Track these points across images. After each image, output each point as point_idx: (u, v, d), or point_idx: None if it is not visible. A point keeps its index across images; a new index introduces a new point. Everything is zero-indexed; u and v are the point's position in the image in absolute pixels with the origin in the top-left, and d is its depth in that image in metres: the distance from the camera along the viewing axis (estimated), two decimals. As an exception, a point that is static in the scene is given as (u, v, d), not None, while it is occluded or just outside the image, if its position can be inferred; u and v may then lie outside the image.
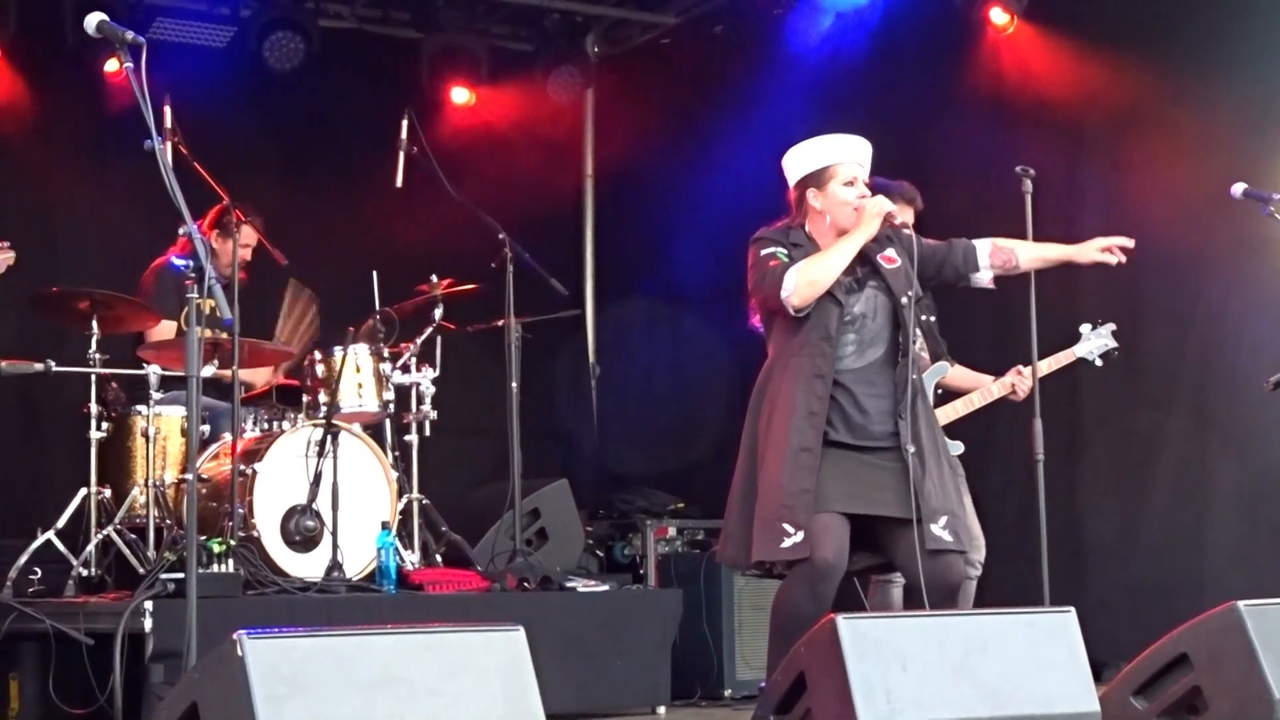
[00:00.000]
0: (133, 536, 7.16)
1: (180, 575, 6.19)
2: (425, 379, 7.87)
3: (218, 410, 7.61)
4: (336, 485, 7.20)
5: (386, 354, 7.73)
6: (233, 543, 6.77)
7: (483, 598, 7.11)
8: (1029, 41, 8.54)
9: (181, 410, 7.28)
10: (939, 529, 5.27)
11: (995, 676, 4.60)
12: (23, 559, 7.05)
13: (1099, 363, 6.57)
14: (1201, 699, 4.89)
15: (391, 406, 7.74)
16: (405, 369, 7.85)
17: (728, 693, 7.91)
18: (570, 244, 10.65)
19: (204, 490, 7.21)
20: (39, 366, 7.14)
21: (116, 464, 7.43)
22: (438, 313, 7.89)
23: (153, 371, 7.25)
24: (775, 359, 5.49)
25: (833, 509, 5.26)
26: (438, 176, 8.00)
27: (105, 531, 7.16)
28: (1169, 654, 4.98)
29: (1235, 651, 4.82)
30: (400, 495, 7.60)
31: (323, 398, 7.53)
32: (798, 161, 5.56)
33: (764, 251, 5.45)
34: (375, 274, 7.89)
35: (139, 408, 7.36)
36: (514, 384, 7.77)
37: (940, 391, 6.41)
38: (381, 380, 7.69)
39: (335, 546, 7.12)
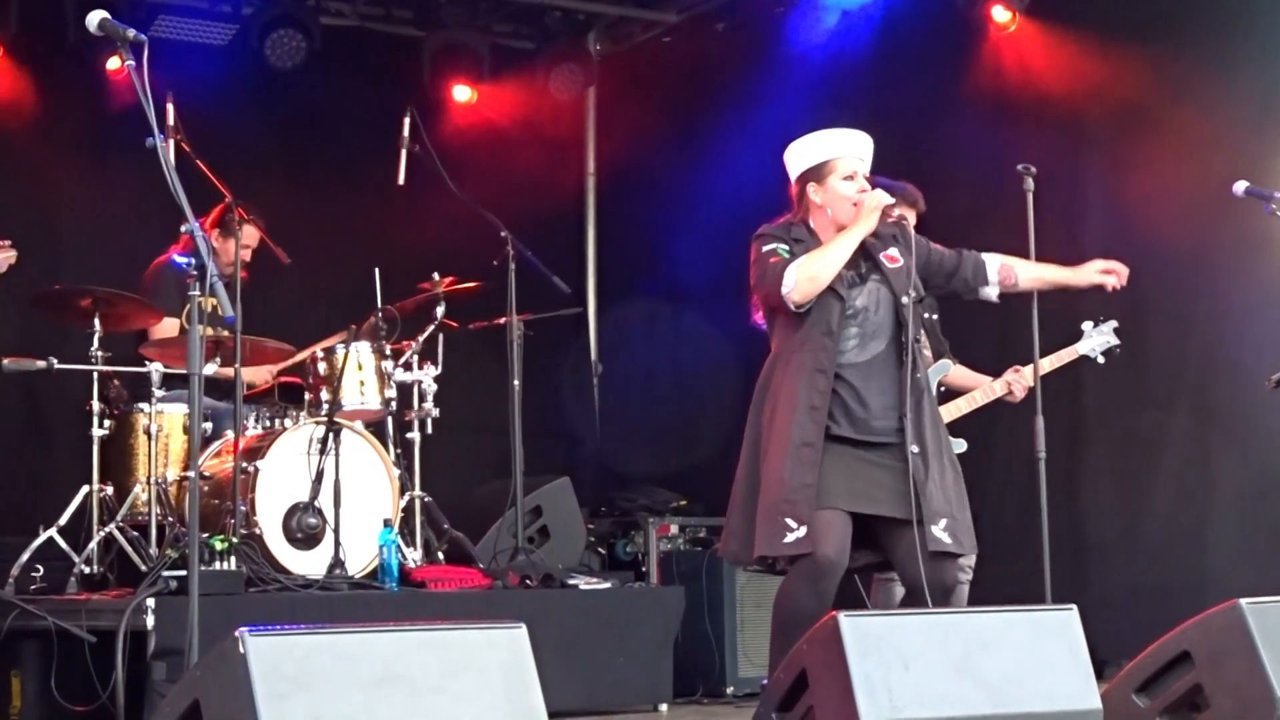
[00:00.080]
0: (135, 534, 7.17)
1: (182, 573, 6.19)
2: (427, 377, 7.87)
3: (220, 408, 7.62)
4: (338, 483, 7.20)
5: (388, 352, 7.74)
6: (235, 540, 6.79)
7: (485, 595, 7.11)
8: (1031, 39, 8.54)
9: (183, 408, 7.28)
10: (939, 531, 5.27)
11: (997, 674, 4.61)
12: (25, 556, 7.05)
13: (1101, 360, 6.56)
14: (1203, 697, 4.90)
15: (393, 404, 7.74)
16: (407, 367, 7.85)
17: (730, 690, 7.90)
18: (572, 242, 10.64)
19: (206, 488, 7.21)
20: (41, 364, 7.14)
21: (119, 461, 7.43)
22: (440, 311, 7.89)
23: (155, 369, 7.25)
24: (777, 355, 5.49)
25: (835, 505, 5.26)
26: (439, 174, 8.01)
27: (107, 529, 7.16)
28: (1171, 652, 4.98)
29: (1237, 650, 4.82)
30: (402, 493, 7.60)
31: (325, 395, 7.53)
32: (798, 156, 5.56)
33: (765, 248, 5.46)
34: (377, 272, 7.89)
35: (141, 405, 7.36)
36: (516, 382, 7.78)
37: (942, 389, 6.41)
38: (383, 378, 7.69)
39: (337, 544, 7.12)
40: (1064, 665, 4.72)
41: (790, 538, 5.23)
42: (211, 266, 4.95)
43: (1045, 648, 4.72)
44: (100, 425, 7.29)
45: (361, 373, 7.63)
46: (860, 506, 5.31)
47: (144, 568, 6.88)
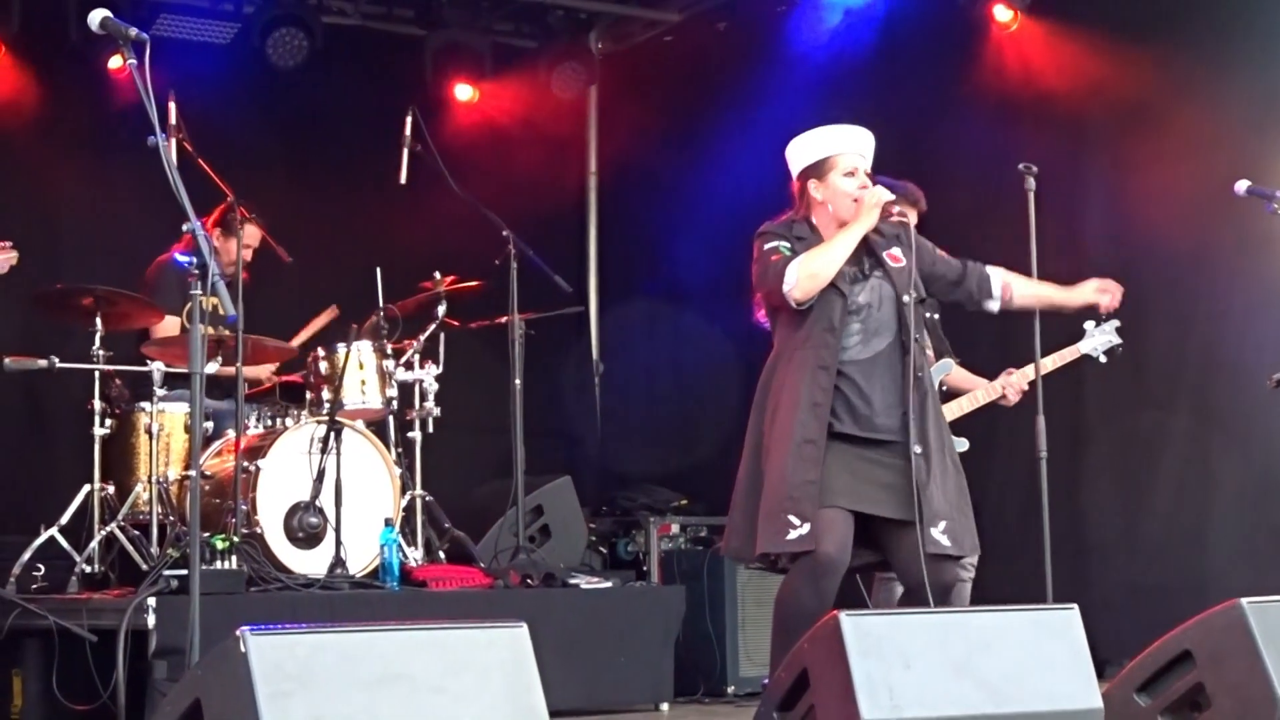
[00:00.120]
0: (136, 533, 7.17)
1: (183, 572, 6.20)
2: (428, 376, 7.87)
3: (221, 407, 7.61)
4: (340, 482, 7.20)
5: (390, 351, 7.74)
6: (236, 539, 6.79)
7: (486, 595, 7.11)
8: (1032, 39, 8.54)
9: (185, 407, 7.28)
10: (938, 534, 5.26)
11: (998, 674, 4.60)
12: (26, 555, 7.06)
13: (1103, 359, 6.56)
14: (1204, 696, 4.89)
15: (395, 403, 7.74)
16: (408, 366, 7.85)
17: (731, 689, 7.90)
18: (574, 241, 10.65)
19: (207, 487, 7.21)
20: (43, 363, 7.14)
21: (120, 460, 7.43)
22: (441, 309, 7.89)
23: (156, 368, 7.25)
24: (780, 352, 5.48)
25: (838, 504, 5.26)
26: (441, 173, 8.01)
27: (109, 528, 7.16)
28: (1172, 651, 4.98)
29: (1238, 649, 4.82)
30: (403, 492, 7.60)
31: (326, 395, 7.53)
32: (799, 153, 5.57)
33: (767, 245, 5.46)
34: (379, 270, 7.90)
35: (142, 404, 7.36)
36: (517, 381, 7.78)
37: (944, 389, 6.41)
38: (385, 377, 7.69)
39: (338, 543, 7.12)
40: (1065, 665, 4.71)
41: (793, 535, 5.23)
42: (213, 265, 4.95)
43: (1046, 647, 4.71)
44: (101, 424, 7.29)
45: (363, 372, 7.63)
46: (863, 506, 5.31)
47: (145, 567, 6.87)
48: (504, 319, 7.88)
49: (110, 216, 8.97)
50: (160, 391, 7.26)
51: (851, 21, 9.02)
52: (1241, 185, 6.38)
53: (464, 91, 9.94)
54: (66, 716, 6.40)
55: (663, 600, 7.54)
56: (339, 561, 7.09)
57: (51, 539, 7.12)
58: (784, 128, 5.68)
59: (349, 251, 9.00)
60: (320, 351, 7.69)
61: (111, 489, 7.29)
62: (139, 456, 7.40)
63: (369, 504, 7.35)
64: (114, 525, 7.16)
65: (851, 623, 4.47)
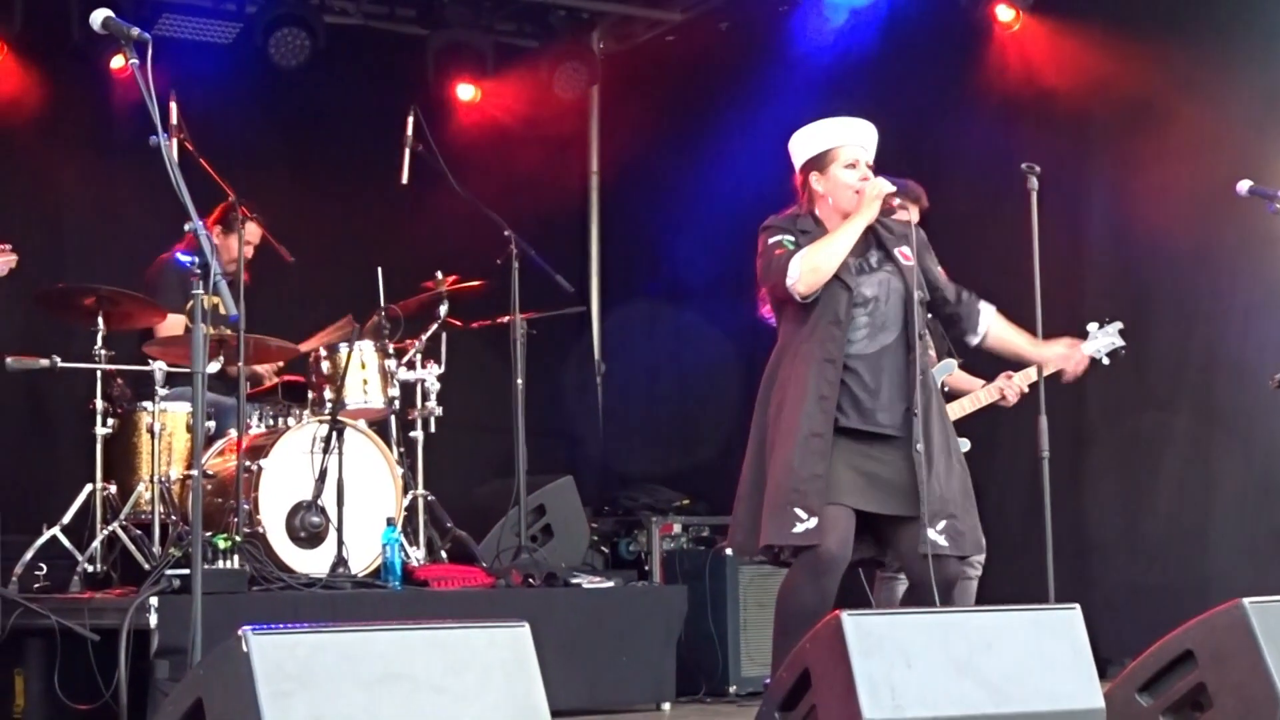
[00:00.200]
0: (138, 532, 7.17)
1: (185, 571, 6.21)
2: (430, 375, 7.87)
3: (223, 406, 7.62)
4: (342, 481, 7.20)
5: (392, 350, 7.74)
6: (238, 539, 6.78)
7: (487, 594, 7.11)
8: (1034, 38, 8.54)
9: (187, 406, 7.28)
10: (935, 534, 5.27)
11: (1000, 673, 4.60)
12: (28, 555, 7.06)
13: (1106, 361, 6.54)
14: (1206, 696, 4.89)
15: (396, 403, 7.74)
16: (410, 365, 7.85)
17: (733, 689, 7.90)
18: (575, 240, 10.64)
19: (209, 486, 7.22)
20: (45, 362, 7.14)
21: (122, 460, 7.43)
22: (443, 309, 7.89)
23: (158, 368, 7.25)
24: (785, 345, 5.48)
25: (844, 502, 5.27)
26: (443, 173, 8.00)
27: (111, 527, 7.16)
28: (1174, 651, 4.98)
29: (1240, 649, 4.82)
30: (405, 491, 7.61)
31: (328, 394, 7.53)
32: (801, 146, 5.57)
33: (771, 239, 5.46)
34: (380, 270, 7.90)
35: (144, 404, 7.36)
36: (519, 380, 7.78)
37: (945, 389, 6.41)
38: (387, 377, 7.68)
39: (340, 543, 7.12)
40: (1067, 664, 4.71)
41: (800, 528, 5.23)
42: (215, 265, 4.95)
43: (1048, 647, 4.71)
44: (104, 424, 7.29)
45: (365, 371, 7.63)
46: (867, 504, 5.31)
47: (147, 566, 6.87)
48: (506, 319, 7.88)
49: (112, 216, 8.98)
50: (162, 391, 7.26)
51: (854, 21, 9.01)
52: (1244, 185, 6.38)
53: (466, 91, 9.94)
54: (68, 716, 6.40)
55: (665, 600, 7.54)
56: (341, 561, 7.09)
57: (53, 538, 7.12)
58: (786, 128, 5.68)
59: (351, 251, 9.00)
60: (322, 351, 7.68)
61: (113, 488, 7.29)
62: (141, 456, 7.40)
63: (371, 503, 7.35)
64: (116, 525, 7.16)
65: (853, 622, 4.47)
